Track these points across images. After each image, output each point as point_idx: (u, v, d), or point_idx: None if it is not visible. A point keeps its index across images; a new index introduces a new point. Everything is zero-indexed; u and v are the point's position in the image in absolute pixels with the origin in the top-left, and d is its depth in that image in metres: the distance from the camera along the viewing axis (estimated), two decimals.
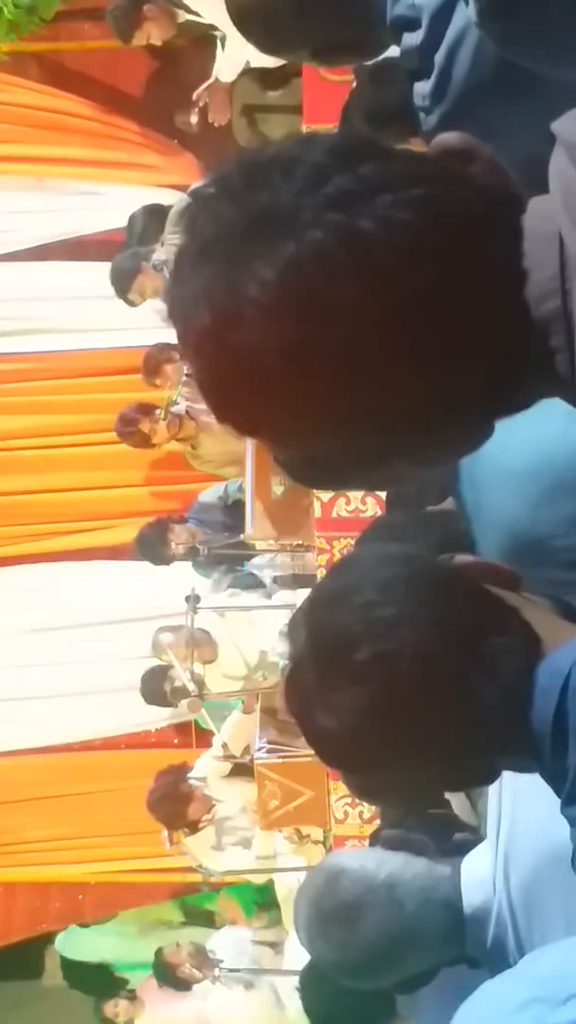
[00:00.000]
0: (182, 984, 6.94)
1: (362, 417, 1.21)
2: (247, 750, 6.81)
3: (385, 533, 2.58)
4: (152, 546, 7.32)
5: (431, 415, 1.23)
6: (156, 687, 6.87)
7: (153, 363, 7.33)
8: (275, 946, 7.27)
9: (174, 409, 7.37)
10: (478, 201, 1.22)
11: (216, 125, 7.62)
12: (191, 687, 6.31)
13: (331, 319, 1.15)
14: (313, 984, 2.89)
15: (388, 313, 1.16)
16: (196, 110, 7.76)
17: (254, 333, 1.15)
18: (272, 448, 1.28)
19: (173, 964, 6.91)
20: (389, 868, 2.30)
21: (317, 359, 1.16)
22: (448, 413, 1.24)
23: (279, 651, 6.59)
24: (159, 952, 7.06)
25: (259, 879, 7.41)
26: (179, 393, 7.28)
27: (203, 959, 6.91)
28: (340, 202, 1.15)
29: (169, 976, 6.95)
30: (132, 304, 7.34)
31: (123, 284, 7.27)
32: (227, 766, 7.06)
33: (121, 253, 7.36)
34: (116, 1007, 7.45)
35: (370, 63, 3.23)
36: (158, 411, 7.39)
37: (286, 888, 6.75)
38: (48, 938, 8.96)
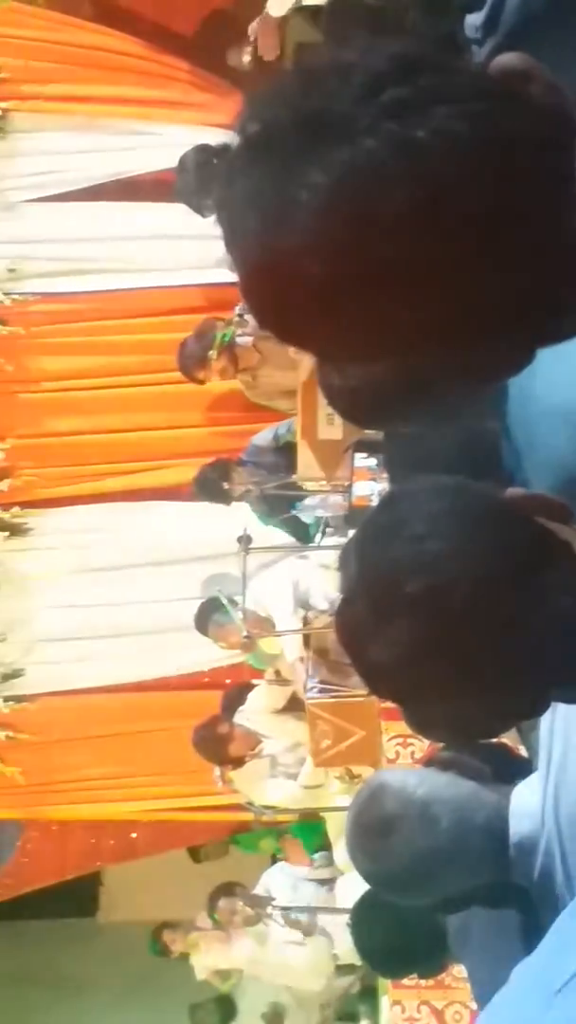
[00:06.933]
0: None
1: (405, 331, 1.19)
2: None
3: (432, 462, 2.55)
4: (212, 487, 7.35)
5: (475, 335, 1.21)
6: (209, 618, 6.93)
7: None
8: (328, 883, 7.33)
9: (239, 340, 7.37)
10: (537, 121, 1.20)
11: (265, 59, 7.56)
12: (243, 631, 6.38)
13: (380, 228, 1.13)
14: (364, 920, 2.92)
15: (438, 226, 1.14)
16: (248, 49, 7.72)
17: (302, 237, 1.13)
18: (318, 367, 1.27)
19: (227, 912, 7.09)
20: (429, 786, 2.32)
21: (363, 267, 1.15)
22: (494, 334, 1.22)
23: (330, 590, 6.61)
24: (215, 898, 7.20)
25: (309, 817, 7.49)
26: (232, 333, 7.28)
27: (256, 899, 7.02)
28: (396, 111, 1.13)
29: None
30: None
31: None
32: (280, 700, 7.10)
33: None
34: (174, 934, 7.69)
35: None
36: (211, 353, 7.39)
37: (337, 827, 6.79)
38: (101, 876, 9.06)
